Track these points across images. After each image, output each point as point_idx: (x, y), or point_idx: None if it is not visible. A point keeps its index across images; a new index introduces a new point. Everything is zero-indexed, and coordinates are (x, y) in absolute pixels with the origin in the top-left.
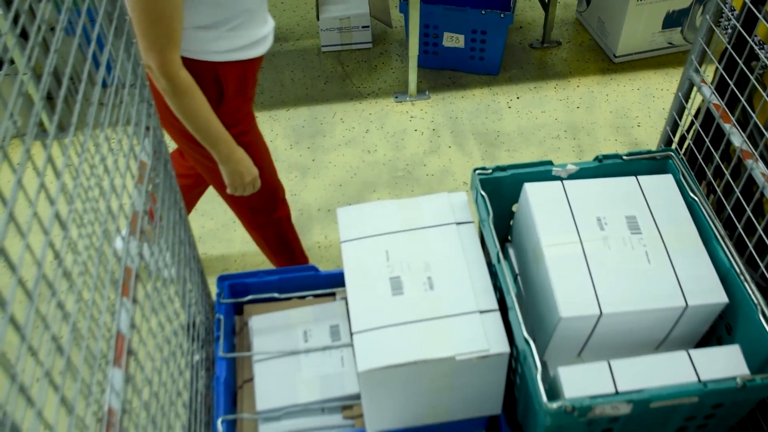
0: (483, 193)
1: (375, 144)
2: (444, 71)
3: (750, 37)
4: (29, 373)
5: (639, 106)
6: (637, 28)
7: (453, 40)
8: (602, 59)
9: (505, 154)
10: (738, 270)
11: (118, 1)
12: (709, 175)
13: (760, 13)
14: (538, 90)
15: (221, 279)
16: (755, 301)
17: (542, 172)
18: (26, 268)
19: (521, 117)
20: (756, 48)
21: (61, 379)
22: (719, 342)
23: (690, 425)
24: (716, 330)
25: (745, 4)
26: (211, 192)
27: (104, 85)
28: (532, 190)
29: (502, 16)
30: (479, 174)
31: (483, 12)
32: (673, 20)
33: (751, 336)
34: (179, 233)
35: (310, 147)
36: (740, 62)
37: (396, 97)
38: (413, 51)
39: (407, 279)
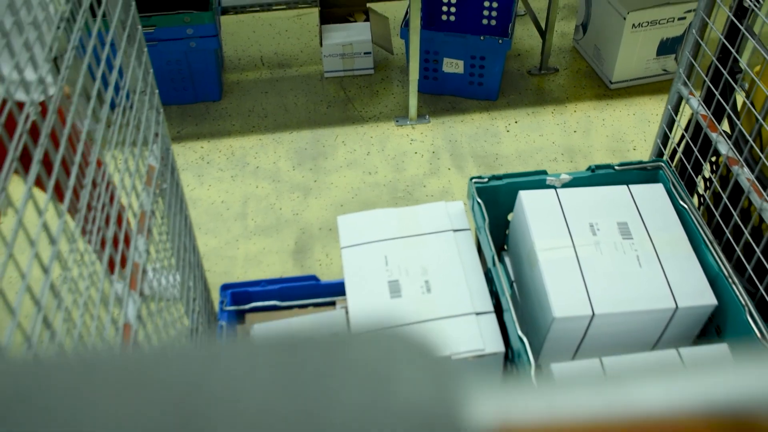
0: (479, 200)
1: (376, 166)
2: (444, 96)
3: (733, 49)
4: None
5: (634, 131)
6: (632, 56)
7: (452, 66)
8: (598, 85)
9: None
10: (726, 273)
11: (131, 10)
12: (699, 185)
13: (742, 25)
14: (535, 115)
15: (224, 287)
16: (743, 303)
17: (537, 181)
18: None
19: (519, 140)
20: (740, 60)
21: None
22: None
23: None
24: (707, 333)
25: (728, 18)
26: (214, 210)
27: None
28: (527, 197)
29: (500, 42)
30: (476, 182)
31: (482, 38)
32: (667, 47)
33: (740, 336)
34: (184, 240)
35: (312, 168)
36: (725, 73)
37: (397, 121)
38: (413, 76)
39: (405, 282)
